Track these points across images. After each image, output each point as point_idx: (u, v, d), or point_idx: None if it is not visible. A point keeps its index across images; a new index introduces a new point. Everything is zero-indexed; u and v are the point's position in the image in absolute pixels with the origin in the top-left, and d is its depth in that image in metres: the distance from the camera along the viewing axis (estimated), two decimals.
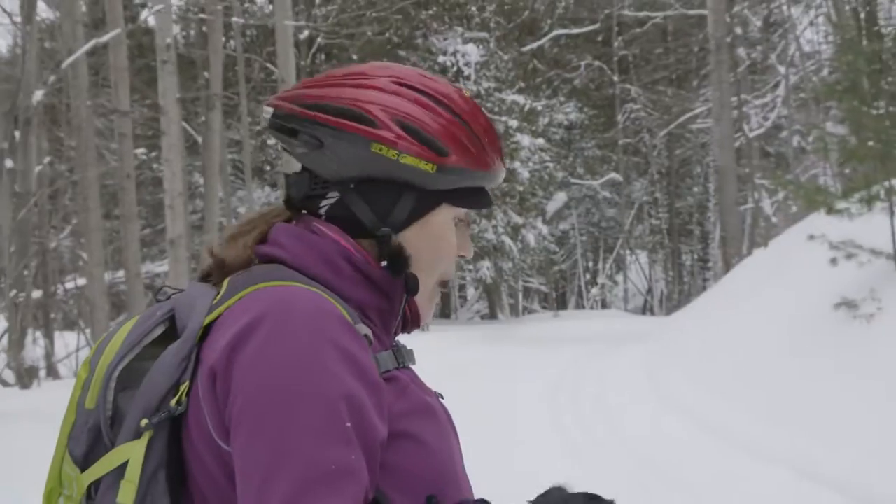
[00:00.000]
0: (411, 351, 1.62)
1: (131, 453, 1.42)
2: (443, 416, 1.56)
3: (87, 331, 17.45)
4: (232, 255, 1.62)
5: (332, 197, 1.61)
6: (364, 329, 1.47)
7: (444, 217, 1.62)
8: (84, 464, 1.50)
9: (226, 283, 1.55)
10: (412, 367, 1.60)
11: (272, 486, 1.30)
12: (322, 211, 1.62)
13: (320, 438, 1.32)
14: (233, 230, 1.67)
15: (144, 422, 1.41)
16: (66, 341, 17.50)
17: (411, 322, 1.66)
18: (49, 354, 16.13)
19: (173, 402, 1.41)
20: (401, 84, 1.60)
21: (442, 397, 1.64)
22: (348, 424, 1.34)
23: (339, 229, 1.58)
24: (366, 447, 1.37)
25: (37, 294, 16.15)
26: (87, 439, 1.50)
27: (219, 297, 1.51)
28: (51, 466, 1.57)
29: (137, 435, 1.42)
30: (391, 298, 1.58)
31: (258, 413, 1.34)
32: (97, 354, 1.55)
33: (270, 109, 1.63)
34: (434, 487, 1.45)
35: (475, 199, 1.65)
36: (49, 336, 16.42)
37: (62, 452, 1.54)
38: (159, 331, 1.53)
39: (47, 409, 11.00)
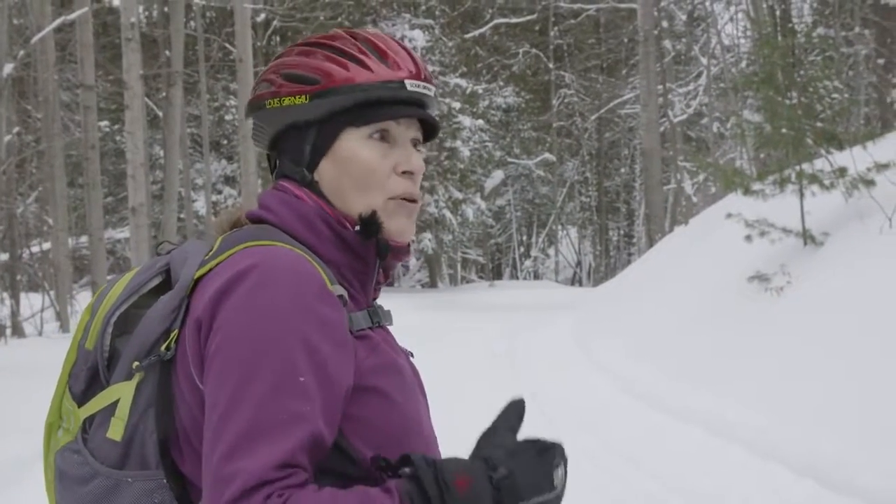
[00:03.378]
0: (388, 312, 1.63)
1: (122, 392, 1.45)
2: (410, 374, 1.57)
3: (52, 292, 17.24)
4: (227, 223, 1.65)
5: (276, 164, 1.66)
6: (339, 290, 1.48)
7: (352, 140, 1.57)
8: (81, 400, 1.52)
9: (219, 240, 1.56)
10: (388, 327, 1.62)
11: (228, 425, 1.32)
12: (274, 177, 1.66)
13: (276, 388, 1.34)
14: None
15: (135, 364, 1.44)
16: (31, 302, 17.30)
17: (394, 253, 1.61)
18: (15, 314, 15.92)
19: (163, 347, 1.44)
20: (295, 45, 1.65)
21: (412, 356, 1.66)
22: (302, 379, 1.36)
23: (295, 182, 1.60)
24: (325, 400, 1.38)
25: (3, 257, 15.91)
26: (86, 377, 1.53)
27: (211, 253, 1.53)
28: (52, 401, 1.59)
29: (129, 376, 1.46)
30: (365, 260, 1.59)
31: (227, 358, 1.37)
32: (99, 300, 1.58)
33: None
34: (396, 439, 1.47)
35: (381, 112, 1.58)
36: (15, 297, 16.19)
37: (63, 389, 1.57)
38: (156, 282, 1.56)
39: (11, 364, 10.90)
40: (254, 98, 1.62)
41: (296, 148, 1.60)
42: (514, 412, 1.51)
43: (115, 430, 1.44)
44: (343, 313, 1.46)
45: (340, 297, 1.48)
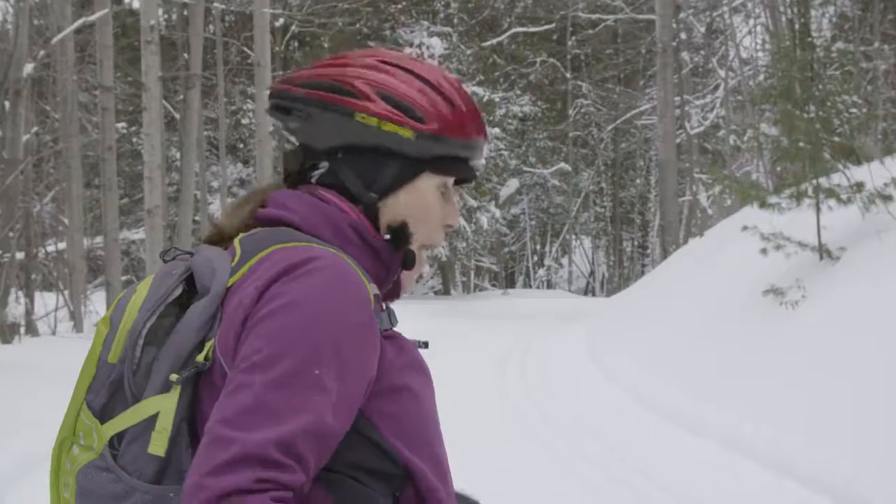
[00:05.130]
0: (395, 312, 1.63)
1: (162, 406, 1.42)
2: (427, 370, 1.59)
3: (66, 292, 17.28)
4: (235, 223, 1.63)
5: (323, 167, 1.62)
6: (374, 289, 1.50)
7: (428, 185, 1.62)
8: (102, 415, 1.48)
9: (237, 245, 1.55)
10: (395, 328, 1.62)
11: (239, 395, 1.34)
12: (313, 180, 1.63)
13: (296, 374, 1.36)
14: (237, 202, 1.68)
15: (175, 376, 1.41)
16: (46, 301, 17.34)
17: (393, 291, 1.67)
18: (29, 312, 15.96)
19: (200, 357, 1.42)
20: (384, 62, 1.61)
21: (426, 346, 1.67)
22: (317, 372, 1.37)
23: (338, 194, 1.59)
24: (340, 395, 1.38)
25: (19, 256, 15.95)
26: (108, 392, 1.49)
27: (236, 259, 1.52)
28: (65, 417, 1.54)
29: (166, 388, 1.42)
30: (389, 269, 1.61)
31: (259, 339, 1.38)
32: (118, 312, 1.53)
33: (268, 93, 1.66)
34: (419, 432, 1.50)
35: (457, 168, 1.64)
36: (29, 296, 16.24)
37: (79, 404, 1.52)
38: (178, 291, 1.52)
39: (25, 363, 10.92)
40: (333, 99, 1.57)
41: (371, 170, 1.60)
42: None
43: (158, 445, 1.41)
44: (374, 314, 1.47)
45: (375, 296, 1.49)
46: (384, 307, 1.59)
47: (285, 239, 1.51)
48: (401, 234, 1.59)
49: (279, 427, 1.31)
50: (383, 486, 1.45)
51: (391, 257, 1.59)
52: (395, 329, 1.58)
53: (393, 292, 1.67)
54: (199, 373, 1.43)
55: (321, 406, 1.35)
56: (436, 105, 1.59)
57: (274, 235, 1.53)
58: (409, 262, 1.61)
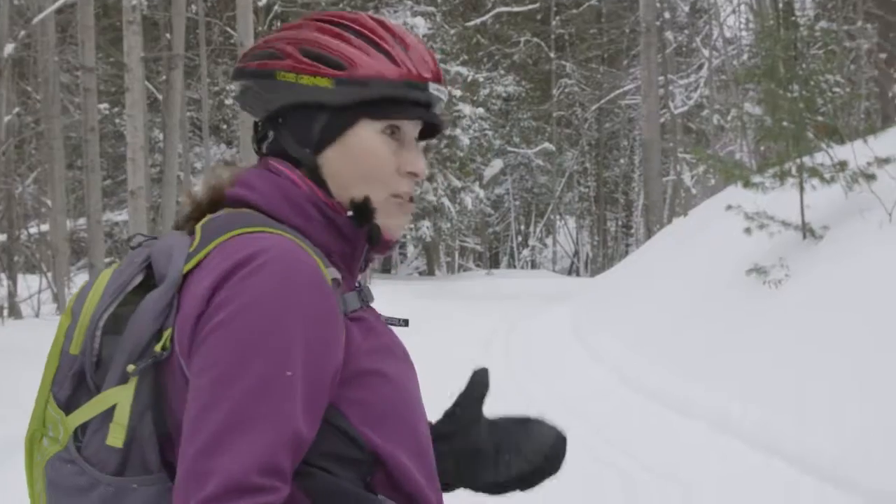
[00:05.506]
0: (369, 289, 1.59)
1: (119, 397, 1.38)
2: (402, 350, 1.55)
3: (49, 274, 17.21)
4: (208, 197, 1.59)
5: (270, 136, 1.59)
6: (333, 273, 1.45)
7: (367, 132, 1.54)
8: (68, 407, 1.45)
9: (198, 230, 1.50)
10: (371, 304, 1.58)
11: (209, 416, 1.30)
12: (264, 150, 1.60)
13: (263, 382, 1.32)
14: (212, 179, 1.62)
15: (132, 367, 1.38)
16: (28, 283, 17.28)
17: (382, 246, 1.60)
18: (12, 295, 15.89)
19: (157, 347, 1.38)
20: (309, 19, 1.58)
21: (406, 324, 1.64)
22: (289, 374, 1.33)
23: (290, 164, 1.55)
24: (309, 397, 1.35)
25: (1, 238, 15.86)
26: (71, 383, 1.45)
27: (194, 245, 1.47)
28: (34, 410, 1.51)
29: (124, 380, 1.39)
30: (354, 245, 1.55)
31: (217, 346, 1.34)
32: (79, 302, 1.50)
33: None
34: (395, 415, 1.46)
35: (399, 110, 1.56)
36: (12, 278, 16.17)
37: (46, 396, 1.49)
38: (139, 278, 1.47)
39: (10, 345, 10.87)
40: (259, 65, 1.55)
41: (303, 127, 1.54)
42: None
43: (116, 437, 1.37)
44: (335, 300, 1.42)
45: (334, 280, 1.45)
46: (357, 285, 1.56)
47: (242, 224, 1.46)
48: (363, 209, 1.53)
49: (257, 446, 1.27)
50: (352, 472, 1.41)
51: (355, 234, 1.54)
52: (369, 306, 1.54)
53: (380, 249, 1.60)
54: (158, 362, 1.38)
55: (294, 411, 1.32)
56: (360, 50, 1.53)
57: (232, 220, 1.48)
58: (374, 239, 1.55)
